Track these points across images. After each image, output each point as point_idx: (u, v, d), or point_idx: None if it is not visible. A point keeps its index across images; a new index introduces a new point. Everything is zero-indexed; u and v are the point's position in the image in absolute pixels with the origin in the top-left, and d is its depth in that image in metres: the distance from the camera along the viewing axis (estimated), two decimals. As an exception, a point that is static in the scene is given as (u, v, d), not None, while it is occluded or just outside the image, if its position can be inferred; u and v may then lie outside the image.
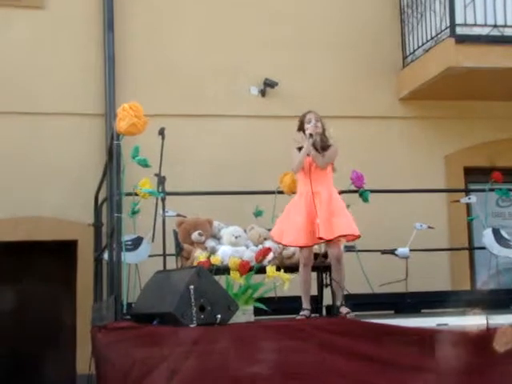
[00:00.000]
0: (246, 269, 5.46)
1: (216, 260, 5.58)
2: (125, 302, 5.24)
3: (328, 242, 5.72)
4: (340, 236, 5.66)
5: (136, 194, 5.97)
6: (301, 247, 5.73)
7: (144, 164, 5.69)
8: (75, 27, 7.75)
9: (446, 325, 5.36)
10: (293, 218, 5.70)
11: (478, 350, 5.20)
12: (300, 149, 5.83)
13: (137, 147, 5.65)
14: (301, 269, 5.78)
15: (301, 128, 5.91)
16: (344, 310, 5.71)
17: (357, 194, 6.70)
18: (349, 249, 6.35)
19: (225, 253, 6.07)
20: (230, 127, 7.87)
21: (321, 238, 5.61)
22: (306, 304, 5.75)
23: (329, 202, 5.71)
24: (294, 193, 6.54)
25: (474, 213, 7.65)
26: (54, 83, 7.64)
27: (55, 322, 7.57)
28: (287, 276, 5.50)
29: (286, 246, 5.99)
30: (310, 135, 5.77)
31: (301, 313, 5.72)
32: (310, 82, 8.01)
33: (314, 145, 5.78)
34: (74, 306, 7.45)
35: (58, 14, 7.73)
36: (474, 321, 5.43)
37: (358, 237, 5.73)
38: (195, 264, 5.69)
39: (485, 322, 5.30)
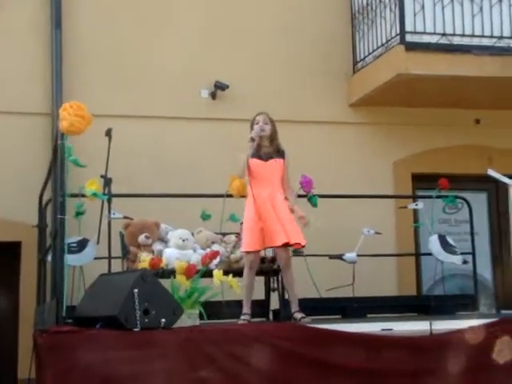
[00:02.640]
0: (192, 272, 5.41)
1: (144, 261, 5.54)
2: (65, 306, 5.14)
3: (277, 246, 5.71)
4: (298, 244, 5.65)
5: (82, 196, 5.88)
6: (251, 252, 5.71)
7: (77, 164, 5.58)
8: (22, 25, 7.61)
9: (390, 330, 5.39)
10: (249, 224, 5.67)
11: (423, 354, 5.25)
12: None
13: (70, 147, 5.52)
14: (246, 272, 5.76)
15: (251, 129, 5.90)
16: (298, 315, 5.71)
17: (305, 199, 6.70)
18: (297, 253, 6.34)
19: (171, 255, 6.01)
20: (179, 129, 7.82)
21: (287, 243, 5.59)
22: (246, 308, 5.75)
23: (284, 206, 5.72)
24: (242, 196, 6.54)
25: (421, 219, 7.73)
26: (0, 82, 7.48)
27: (-3, 325, 7.42)
28: (235, 281, 5.46)
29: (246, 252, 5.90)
30: (252, 139, 5.76)
31: (242, 317, 5.70)
32: (261, 85, 8.01)
33: (258, 148, 5.77)
34: (17, 309, 7.31)
35: (4, 11, 7.57)
36: (418, 326, 5.48)
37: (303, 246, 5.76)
38: (140, 267, 5.60)
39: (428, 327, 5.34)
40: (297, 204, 6.01)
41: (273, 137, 5.91)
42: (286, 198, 5.87)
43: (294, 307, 5.78)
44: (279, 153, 5.91)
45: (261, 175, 5.79)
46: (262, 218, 5.64)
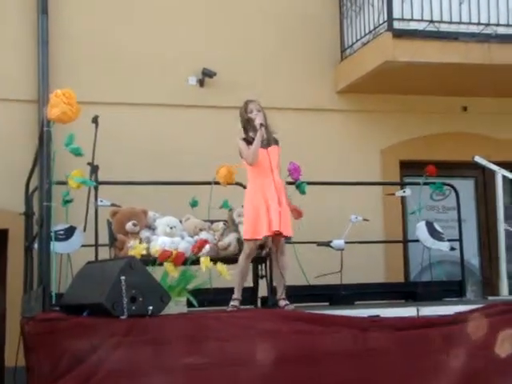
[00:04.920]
0: (180, 260, 5.41)
1: (156, 251, 5.51)
2: (54, 293, 5.14)
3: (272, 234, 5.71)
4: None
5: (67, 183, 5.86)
6: (252, 240, 5.71)
7: (77, 153, 5.58)
8: (8, 11, 7.55)
9: (378, 316, 5.41)
10: (256, 212, 5.66)
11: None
12: (246, 140, 5.79)
13: (71, 135, 5.54)
14: (243, 259, 5.76)
15: (243, 118, 5.86)
16: (283, 302, 5.72)
17: (293, 186, 6.70)
18: (285, 240, 6.34)
19: (164, 243, 5.98)
20: (167, 117, 7.79)
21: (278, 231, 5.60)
22: (238, 294, 5.75)
23: (281, 188, 5.73)
24: (229, 184, 6.53)
25: (408, 206, 7.74)
26: (-15, 68, 7.44)
27: (-16, 313, 7.39)
28: (224, 268, 5.47)
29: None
30: (261, 125, 5.73)
31: (231, 303, 5.71)
32: (249, 72, 7.99)
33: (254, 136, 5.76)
34: (4, 297, 7.29)
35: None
36: (406, 312, 5.51)
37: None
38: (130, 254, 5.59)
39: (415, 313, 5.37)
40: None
41: (267, 124, 5.89)
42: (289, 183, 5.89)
43: (280, 294, 5.79)
44: (273, 140, 5.90)
45: (262, 162, 5.77)
46: (262, 208, 5.63)
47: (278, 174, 5.84)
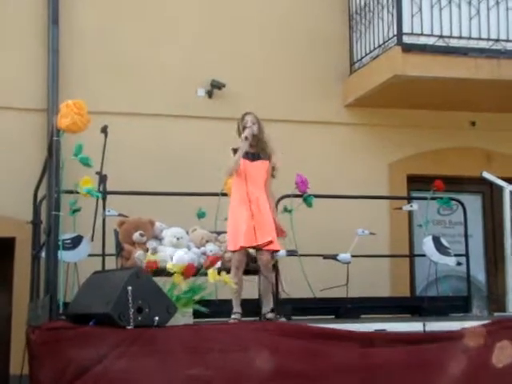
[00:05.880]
0: (190, 272, 5.42)
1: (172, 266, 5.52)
2: (61, 302, 5.14)
3: (259, 247, 5.71)
4: (269, 243, 5.66)
5: (77, 193, 5.88)
6: (236, 250, 5.71)
7: (86, 163, 5.61)
8: (19, 21, 7.59)
9: (384, 330, 5.40)
10: (236, 223, 5.67)
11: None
12: (235, 150, 5.82)
13: (80, 145, 5.56)
14: (233, 272, 5.76)
15: (238, 129, 5.90)
16: (270, 315, 5.72)
17: (300, 199, 6.70)
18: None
19: (182, 259, 5.95)
20: (175, 128, 7.81)
21: (259, 245, 5.60)
22: (237, 307, 5.76)
23: (267, 208, 5.72)
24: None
25: (415, 220, 7.73)
26: (-4, 77, 7.48)
27: (-10, 320, 7.40)
28: (228, 277, 5.47)
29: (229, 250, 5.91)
30: (246, 138, 5.76)
31: (232, 316, 5.71)
32: (257, 84, 8.01)
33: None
34: (11, 305, 7.29)
35: (1, 6, 7.55)
36: (412, 327, 5.49)
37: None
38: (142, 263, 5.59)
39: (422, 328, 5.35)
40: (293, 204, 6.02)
41: (259, 137, 5.90)
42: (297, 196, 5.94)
43: (267, 308, 5.78)
44: (265, 154, 5.90)
45: (247, 175, 5.78)
46: (245, 219, 5.63)
47: (263, 188, 5.80)
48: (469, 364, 5.24)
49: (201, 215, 6.71)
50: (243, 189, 5.73)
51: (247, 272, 6.03)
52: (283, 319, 5.69)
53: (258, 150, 5.87)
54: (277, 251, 5.82)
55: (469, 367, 5.23)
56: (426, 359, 5.22)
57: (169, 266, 5.44)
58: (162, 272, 5.43)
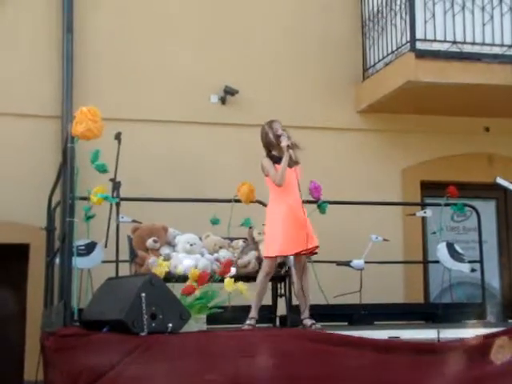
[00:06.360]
0: (204, 280, 5.43)
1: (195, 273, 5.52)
2: (75, 308, 5.16)
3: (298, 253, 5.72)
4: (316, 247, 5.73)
5: (88, 199, 5.91)
6: (273, 258, 5.72)
7: (102, 170, 5.64)
8: (33, 27, 7.64)
9: (397, 337, 5.38)
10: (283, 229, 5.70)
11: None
12: (271, 157, 5.82)
13: (97, 152, 5.60)
14: (262, 277, 5.78)
15: (267, 136, 5.88)
16: (308, 321, 5.72)
17: (313, 205, 6.70)
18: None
19: (206, 266, 5.96)
20: (189, 134, 7.83)
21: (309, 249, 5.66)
22: (254, 313, 5.76)
23: (306, 212, 5.75)
24: (252, 202, 6.55)
25: (429, 226, 7.70)
26: (11, 83, 7.51)
27: (4, 327, 7.41)
28: (244, 287, 5.48)
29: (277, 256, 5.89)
30: (288, 146, 5.76)
31: (247, 322, 5.71)
32: (270, 90, 8.01)
33: (279, 155, 5.80)
34: (25, 311, 7.31)
35: (15, 12, 7.61)
36: (426, 334, 5.47)
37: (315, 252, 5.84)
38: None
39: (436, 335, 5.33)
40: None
41: (293, 143, 5.93)
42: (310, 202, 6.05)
43: (305, 314, 5.79)
44: (295, 160, 5.93)
45: (288, 182, 5.81)
46: (291, 226, 5.65)
47: (298, 193, 5.87)
48: (484, 375, 5.22)
49: (215, 222, 6.71)
50: (284, 197, 5.75)
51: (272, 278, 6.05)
52: (318, 326, 5.68)
53: (294, 156, 5.88)
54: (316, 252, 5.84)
55: (485, 379, 5.21)
56: (439, 370, 5.20)
57: (189, 273, 5.45)
58: (175, 278, 5.44)
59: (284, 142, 5.77)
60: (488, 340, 5.31)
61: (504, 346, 5.23)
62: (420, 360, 5.19)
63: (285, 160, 5.75)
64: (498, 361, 5.19)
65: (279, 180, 5.77)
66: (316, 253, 5.92)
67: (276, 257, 5.79)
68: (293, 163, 5.83)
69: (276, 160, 5.83)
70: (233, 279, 5.47)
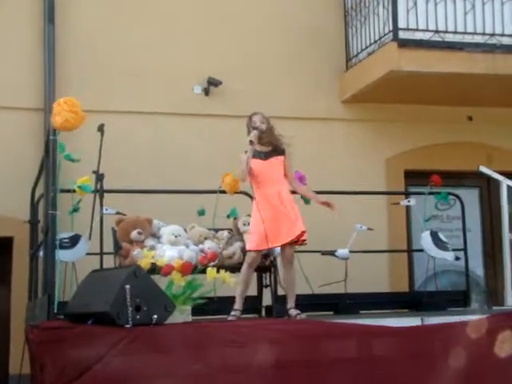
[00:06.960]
0: (188, 270, 5.42)
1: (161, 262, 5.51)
2: (58, 301, 5.14)
3: (284, 244, 5.72)
4: (302, 234, 5.69)
5: (74, 191, 5.88)
6: (256, 251, 5.72)
7: (70, 159, 5.61)
8: (15, 20, 7.58)
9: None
10: (258, 224, 5.68)
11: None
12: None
13: (61, 144, 5.54)
14: (245, 269, 5.77)
15: (247, 130, 5.89)
16: (294, 311, 5.73)
17: (298, 195, 6.70)
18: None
19: (171, 257, 5.92)
20: (172, 125, 7.81)
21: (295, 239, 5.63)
22: (239, 305, 5.75)
23: (291, 203, 5.73)
24: (236, 192, 6.55)
25: (413, 215, 7.73)
26: (-8, 76, 7.47)
27: (-12, 320, 7.40)
28: (228, 277, 5.48)
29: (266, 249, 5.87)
30: (251, 142, 5.75)
31: (232, 313, 5.71)
32: (254, 81, 8.00)
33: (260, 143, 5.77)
34: (9, 305, 7.29)
35: (-3, 5, 7.57)
36: (410, 322, 5.51)
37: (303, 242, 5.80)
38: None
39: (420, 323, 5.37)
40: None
41: (269, 135, 5.89)
42: (293, 192, 5.91)
43: (291, 304, 5.80)
44: (278, 150, 5.90)
45: (263, 174, 5.79)
46: (268, 219, 5.63)
47: (284, 183, 5.84)
48: (469, 355, 5.25)
49: (201, 213, 6.71)
50: (261, 189, 5.74)
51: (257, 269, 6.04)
52: (304, 316, 5.69)
53: (271, 148, 5.85)
54: (304, 241, 5.80)
55: (469, 358, 5.25)
56: (426, 350, 5.24)
57: (158, 262, 5.45)
58: (159, 270, 5.43)
59: (249, 137, 5.76)
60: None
61: (507, 340, 5.28)
62: (406, 343, 5.23)
63: (248, 155, 5.73)
64: (502, 354, 5.24)
65: (241, 176, 5.78)
66: (304, 243, 5.90)
67: (259, 251, 5.77)
68: (264, 156, 5.80)
69: (255, 154, 5.81)
70: (215, 269, 5.46)
